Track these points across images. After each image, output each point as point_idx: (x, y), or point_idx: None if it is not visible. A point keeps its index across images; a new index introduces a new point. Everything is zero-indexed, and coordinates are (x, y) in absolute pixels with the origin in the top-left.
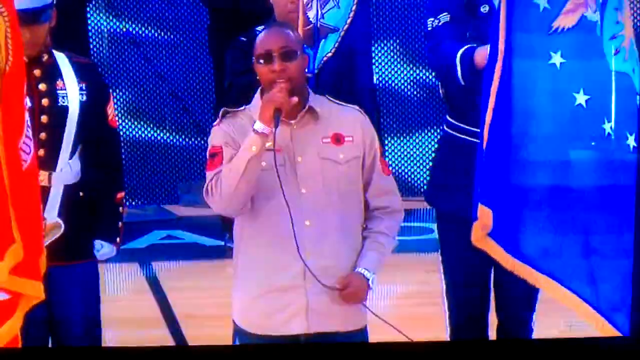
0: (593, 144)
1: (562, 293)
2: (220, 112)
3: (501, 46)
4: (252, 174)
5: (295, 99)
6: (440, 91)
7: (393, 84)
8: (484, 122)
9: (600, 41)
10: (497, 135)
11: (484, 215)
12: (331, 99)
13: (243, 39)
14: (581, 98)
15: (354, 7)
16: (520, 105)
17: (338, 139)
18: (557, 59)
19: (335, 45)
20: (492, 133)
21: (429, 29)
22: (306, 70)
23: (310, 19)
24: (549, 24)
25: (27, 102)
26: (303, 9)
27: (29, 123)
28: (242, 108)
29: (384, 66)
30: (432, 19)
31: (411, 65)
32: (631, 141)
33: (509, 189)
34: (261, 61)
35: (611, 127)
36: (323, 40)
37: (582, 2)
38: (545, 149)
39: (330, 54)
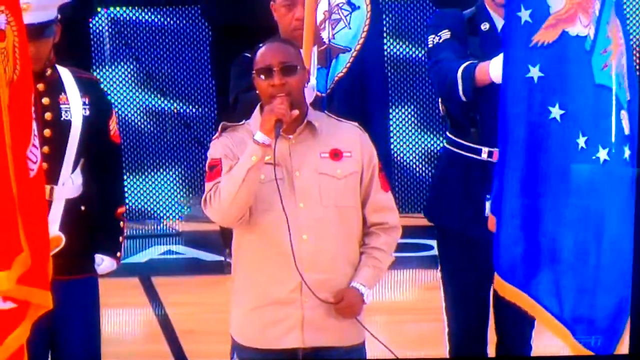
0: (566, 152)
1: (529, 304)
2: (220, 127)
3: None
4: (251, 184)
5: (296, 112)
6: (440, 108)
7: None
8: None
9: (588, 55)
10: (500, 149)
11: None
12: (330, 114)
13: (248, 55)
14: (556, 112)
15: (365, 28)
16: (505, 118)
17: (336, 154)
18: (534, 72)
19: (347, 65)
20: (499, 151)
21: (430, 45)
22: (307, 84)
23: (324, 40)
24: (529, 37)
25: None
26: (317, 30)
27: (35, 132)
28: (241, 123)
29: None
30: (433, 36)
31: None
32: (603, 155)
33: (499, 200)
34: (261, 76)
35: (585, 141)
36: (334, 60)
37: (564, 18)
38: (521, 161)
39: (342, 74)
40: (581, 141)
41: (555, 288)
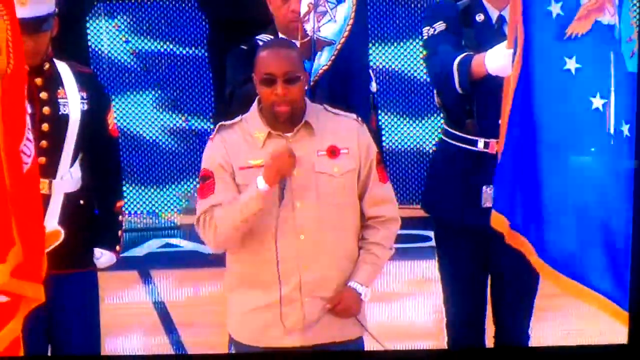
0: (612, 142)
1: (594, 298)
2: (217, 127)
3: (519, 54)
4: (249, 224)
5: (296, 134)
6: (436, 99)
7: None
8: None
9: (618, 44)
10: (513, 143)
11: (498, 222)
12: (329, 108)
13: (244, 47)
14: (598, 102)
15: (350, 21)
16: (537, 112)
17: (333, 152)
18: (571, 64)
19: (332, 59)
20: (508, 141)
21: (425, 37)
22: (306, 88)
23: (308, 32)
24: (562, 30)
25: (28, 109)
26: (301, 21)
27: (29, 126)
28: (238, 119)
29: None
30: (427, 28)
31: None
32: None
33: (526, 195)
34: (264, 83)
35: (629, 129)
36: (319, 53)
37: (594, 8)
38: (564, 154)
39: (326, 67)
40: (625, 129)
41: (612, 274)
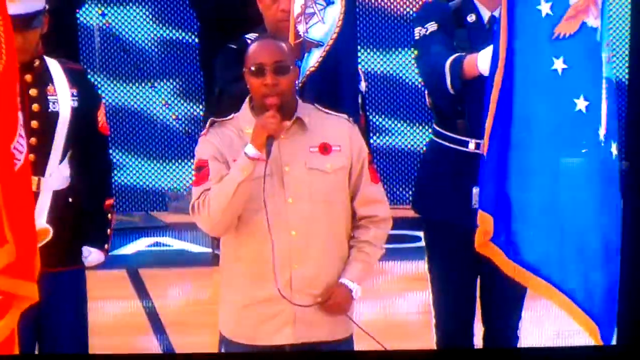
0: (584, 150)
1: (560, 299)
2: (208, 122)
3: (502, 54)
4: (241, 197)
5: (287, 124)
6: (427, 100)
7: None
8: (484, 129)
9: (600, 47)
10: (498, 142)
11: (485, 222)
12: (319, 107)
13: (233, 46)
14: (581, 104)
15: (339, 23)
16: (522, 112)
17: (325, 149)
18: (559, 64)
19: (319, 60)
20: (492, 140)
21: (417, 37)
22: (297, 82)
23: (300, 33)
24: (551, 30)
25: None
26: (294, 22)
27: (22, 123)
28: (229, 117)
29: None
30: (419, 28)
31: None
32: (614, 149)
33: (508, 196)
34: (253, 73)
35: (604, 134)
36: (306, 54)
37: (582, 9)
38: (544, 155)
39: (313, 68)
40: (601, 134)
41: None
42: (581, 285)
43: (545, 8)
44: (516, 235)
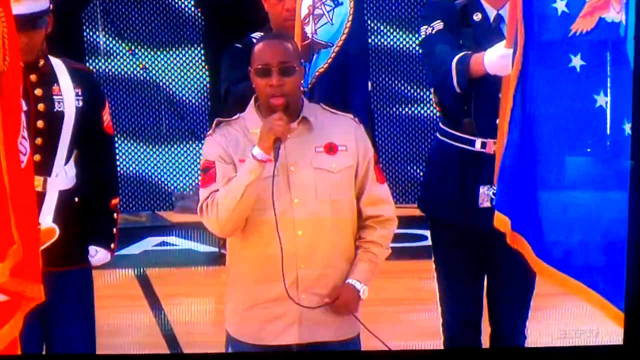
0: (608, 145)
1: (592, 297)
2: (214, 123)
3: (519, 52)
4: (249, 199)
5: (294, 125)
6: (433, 98)
7: None
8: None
9: (623, 41)
10: (515, 142)
11: (501, 223)
12: (325, 107)
13: (239, 45)
14: (602, 100)
15: (348, 24)
16: (541, 111)
17: (331, 149)
18: (576, 61)
19: (328, 61)
20: (510, 140)
21: (423, 36)
22: (302, 82)
23: (308, 34)
24: (567, 27)
25: (23, 106)
26: (301, 24)
27: (24, 124)
28: (235, 117)
29: None
30: (425, 27)
31: None
32: None
33: (527, 195)
34: (259, 74)
35: (630, 128)
36: (315, 55)
37: (599, 5)
38: (566, 152)
39: (322, 69)
40: (627, 127)
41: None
42: (608, 279)
43: (561, 6)
44: (539, 234)
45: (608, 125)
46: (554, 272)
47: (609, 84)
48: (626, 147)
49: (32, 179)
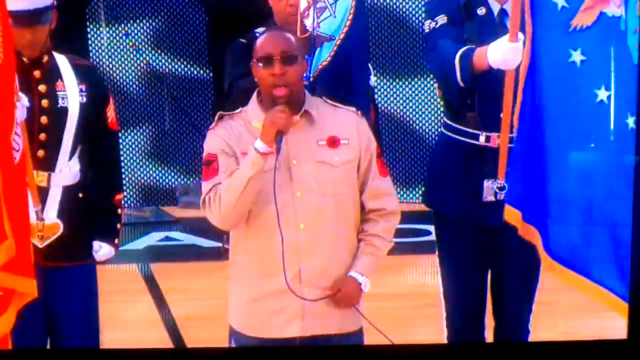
0: (615, 135)
1: (596, 291)
2: (217, 116)
3: (527, 45)
4: (251, 192)
5: (297, 118)
6: (437, 93)
7: None
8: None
9: (624, 35)
10: (524, 136)
11: (512, 216)
12: (328, 100)
13: (242, 40)
14: (603, 94)
15: (350, 17)
16: (544, 105)
17: (333, 142)
18: (577, 56)
19: (331, 54)
20: (519, 134)
21: (427, 31)
22: (304, 75)
23: (307, 27)
24: (567, 22)
25: (27, 102)
26: (300, 17)
27: (18, 120)
28: (238, 111)
29: None
30: (429, 21)
31: None
32: None
33: (535, 189)
34: (261, 64)
35: (635, 122)
36: (318, 49)
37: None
38: (568, 147)
39: (325, 63)
40: (630, 121)
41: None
42: (616, 276)
43: (560, 1)
44: (546, 228)
45: (611, 120)
46: (557, 265)
47: (611, 79)
48: (630, 141)
49: (24, 175)
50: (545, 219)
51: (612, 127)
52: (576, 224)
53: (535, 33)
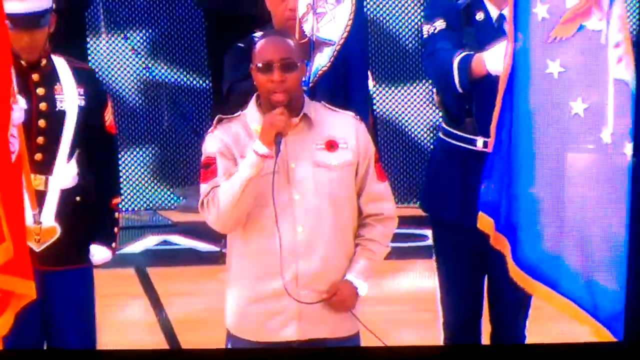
0: (591, 147)
1: (563, 303)
2: (215, 120)
3: (509, 54)
4: (250, 194)
5: (296, 120)
6: (435, 98)
7: None
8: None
9: (604, 49)
10: (499, 145)
11: (485, 224)
12: (326, 105)
13: (241, 45)
14: (578, 107)
15: (349, 22)
16: (521, 115)
17: (332, 145)
18: (554, 67)
19: (331, 59)
20: (496, 142)
21: (425, 36)
22: (303, 80)
23: (306, 32)
24: (547, 33)
25: (25, 105)
26: (299, 21)
27: (13, 123)
28: (237, 114)
29: None
30: (428, 26)
31: None
32: (629, 149)
33: (508, 197)
34: (261, 70)
35: (610, 134)
36: (318, 54)
37: (581, 12)
38: (542, 158)
39: (325, 68)
40: (605, 135)
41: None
42: (583, 285)
43: (541, 11)
44: (515, 238)
45: (585, 133)
46: (525, 276)
47: (587, 91)
48: (604, 153)
49: (20, 177)
50: (515, 229)
51: (586, 139)
52: (546, 235)
53: (517, 42)
